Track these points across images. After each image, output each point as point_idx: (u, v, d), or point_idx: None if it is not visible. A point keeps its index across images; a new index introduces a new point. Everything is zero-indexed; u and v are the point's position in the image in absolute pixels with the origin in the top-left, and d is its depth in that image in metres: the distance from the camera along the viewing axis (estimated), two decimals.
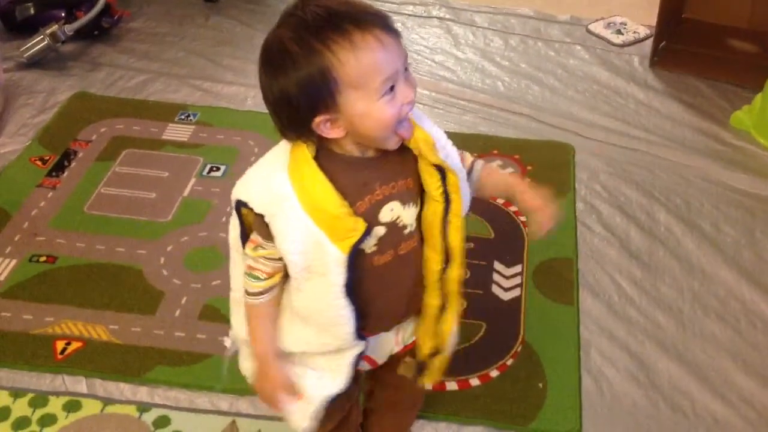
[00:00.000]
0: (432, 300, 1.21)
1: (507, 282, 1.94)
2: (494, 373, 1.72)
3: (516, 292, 1.91)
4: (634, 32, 3.01)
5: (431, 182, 1.12)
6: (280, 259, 1.11)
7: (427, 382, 1.30)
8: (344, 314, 1.13)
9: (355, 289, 1.11)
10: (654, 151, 2.42)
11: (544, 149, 2.40)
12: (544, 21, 3.10)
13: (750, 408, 1.69)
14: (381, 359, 1.29)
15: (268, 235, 1.10)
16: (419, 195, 1.14)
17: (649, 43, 2.89)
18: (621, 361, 1.77)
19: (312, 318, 1.16)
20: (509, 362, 1.74)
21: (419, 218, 1.15)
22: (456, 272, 1.19)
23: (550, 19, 3.11)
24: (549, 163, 2.33)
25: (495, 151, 2.37)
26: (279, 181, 1.06)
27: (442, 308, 1.22)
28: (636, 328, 1.85)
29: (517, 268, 1.98)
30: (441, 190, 1.12)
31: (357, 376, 1.32)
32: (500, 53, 2.90)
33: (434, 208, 1.14)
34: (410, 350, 1.30)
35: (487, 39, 2.99)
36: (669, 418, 1.67)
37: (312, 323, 1.16)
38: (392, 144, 1.08)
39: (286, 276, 1.15)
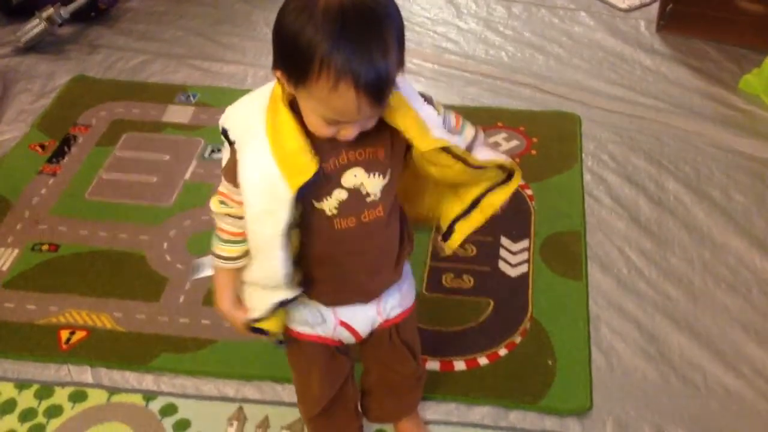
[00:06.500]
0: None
1: (514, 258, 1.91)
2: (503, 352, 1.69)
3: (523, 268, 1.89)
4: None
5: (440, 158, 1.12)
6: (242, 218, 1.13)
7: (451, 248, 1.30)
8: (280, 255, 1.11)
9: (313, 249, 1.15)
10: (662, 118, 2.38)
11: (549, 120, 2.36)
12: None
13: (762, 379, 1.67)
14: (363, 331, 1.29)
15: (236, 176, 1.10)
16: (390, 167, 1.13)
17: (656, 6, 2.83)
18: (631, 336, 1.75)
19: (256, 259, 1.17)
20: (518, 340, 1.72)
21: (389, 188, 1.14)
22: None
23: None
24: (555, 134, 2.30)
25: (500, 124, 2.33)
26: (255, 113, 1.08)
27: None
28: (646, 302, 1.83)
29: (524, 243, 1.95)
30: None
31: (346, 350, 1.33)
32: (503, 22, 2.85)
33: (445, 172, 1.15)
34: (398, 323, 1.31)
35: (490, 8, 2.93)
36: (680, 391, 1.64)
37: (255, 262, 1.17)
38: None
39: None
